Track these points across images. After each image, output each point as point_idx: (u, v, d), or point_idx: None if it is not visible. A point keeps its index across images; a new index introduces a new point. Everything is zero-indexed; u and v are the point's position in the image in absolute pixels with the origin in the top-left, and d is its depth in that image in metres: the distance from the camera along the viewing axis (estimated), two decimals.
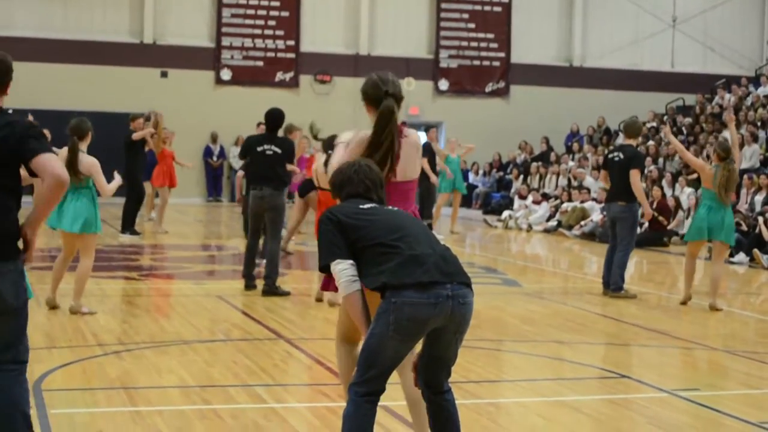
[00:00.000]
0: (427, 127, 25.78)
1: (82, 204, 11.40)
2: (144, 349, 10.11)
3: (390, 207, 5.97)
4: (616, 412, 8.18)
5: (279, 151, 13.94)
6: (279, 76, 34.66)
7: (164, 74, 33.74)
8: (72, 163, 11.26)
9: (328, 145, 13.86)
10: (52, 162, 5.31)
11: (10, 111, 5.64)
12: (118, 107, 31.78)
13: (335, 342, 6.49)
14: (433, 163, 23.26)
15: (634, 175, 14.37)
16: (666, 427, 7.69)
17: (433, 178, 22.87)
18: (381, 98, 6.59)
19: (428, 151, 22.75)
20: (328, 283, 6.17)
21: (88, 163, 11.39)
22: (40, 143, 5.38)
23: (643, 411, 8.21)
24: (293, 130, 17.12)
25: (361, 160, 6.09)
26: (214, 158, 33.58)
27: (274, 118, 14.14)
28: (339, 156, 6.55)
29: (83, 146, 11.58)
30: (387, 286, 5.54)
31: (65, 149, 11.51)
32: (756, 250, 19.95)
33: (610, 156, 14.83)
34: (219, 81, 34.21)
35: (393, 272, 5.54)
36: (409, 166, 6.68)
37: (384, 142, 6.51)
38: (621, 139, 16.78)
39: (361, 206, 5.85)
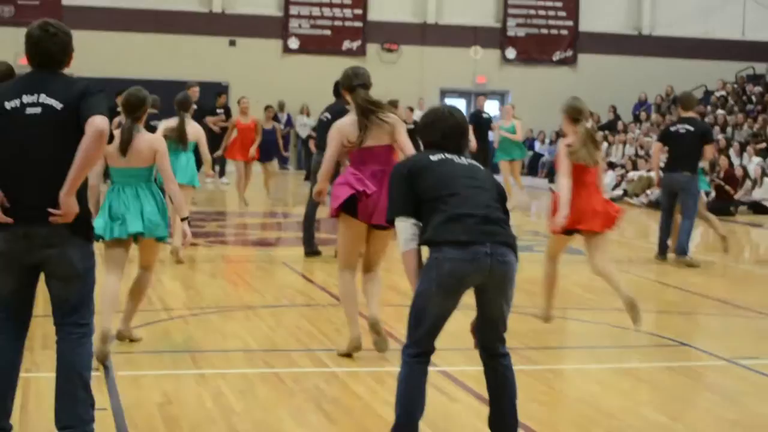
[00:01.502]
0: (497, 96, 25.69)
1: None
2: (209, 314, 10.29)
3: (460, 159, 6.01)
4: (674, 380, 8.22)
5: None
6: (346, 44, 34.74)
7: (233, 43, 33.97)
8: (181, 132, 12.66)
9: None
10: (98, 118, 5.45)
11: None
12: (187, 76, 31.89)
13: (338, 269, 8.34)
14: (482, 132, 23.08)
15: (710, 149, 14.74)
16: (723, 394, 7.72)
17: (473, 144, 21.78)
18: (354, 87, 8.21)
19: (475, 120, 22.76)
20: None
21: (195, 130, 12.95)
22: (98, 102, 5.54)
23: (701, 378, 8.25)
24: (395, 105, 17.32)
25: (445, 105, 6.22)
26: (282, 126, 33.77)
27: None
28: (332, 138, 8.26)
29: (188, 116, 12.89)
30: (429, 242, 5.76)
31: (172, 120, 12.69)
32: None
33: (674, 129, 14.78)
34: (286, 50, 34.39)
35: (435, 229, 5.73)
36: (377, 135, 8.20)
37: (363, 120, 8.16)
38: (677, 114, 16.66)
39: (431, 157, 5.97)
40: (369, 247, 8.55)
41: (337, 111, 12.46)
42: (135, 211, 8.29)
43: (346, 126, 8.24)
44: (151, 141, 8.45)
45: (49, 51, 5.67)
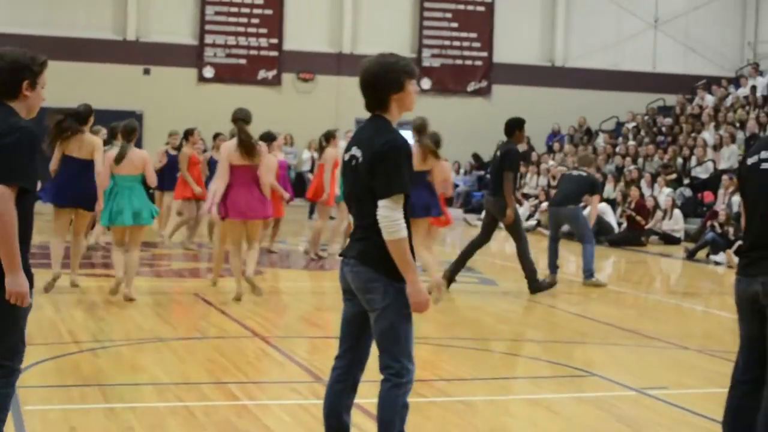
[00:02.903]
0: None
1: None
2: (119, 346, 10.18)
3: None
4: (585, 411, 8.28)
5: None
6: (262, 74, 34.72)
7: (147, 71, 33.76)
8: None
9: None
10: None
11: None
12: (101, 104, 31.68)
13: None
14: None
15: (596, 200, 16.80)
16: (633, 425, 7.79)
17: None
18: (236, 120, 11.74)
19: None
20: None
21: (141, 156, 12.82)
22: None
23: (611, 409, 8.31)
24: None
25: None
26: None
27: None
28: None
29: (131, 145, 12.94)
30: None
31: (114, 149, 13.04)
32: (729, 251, 20.07)
33: (568, 173, 17.24)
34: (201, 78, 34.27)
35: None
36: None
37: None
38: (572, 161, 17.34)
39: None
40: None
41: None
42: (129, 207, 12.52)
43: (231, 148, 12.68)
44: (140, 154, 12.70)
45: None
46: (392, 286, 5.72)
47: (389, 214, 5.62)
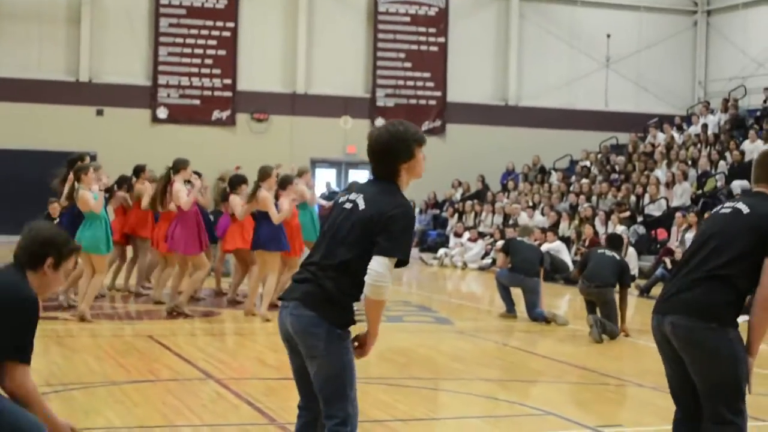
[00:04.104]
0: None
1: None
2: (72, 390, 10.06)
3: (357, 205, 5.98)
4: None
5: None
6: (216, 114, 34.68)
7: (100, 112, 33.64)
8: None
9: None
10: None
11: None
12: (54, 146, 31.65)
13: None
14: None
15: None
16: None
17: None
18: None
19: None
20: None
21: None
22: None
23: None
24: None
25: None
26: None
27: None
28: None
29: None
30: None
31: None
32: None
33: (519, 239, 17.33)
34: (155, 119, 34.18)
35: None
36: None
37: None
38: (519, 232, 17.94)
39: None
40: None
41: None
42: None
43: None
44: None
45: None
46: (334, 332, 5.69)
47: (383, 272, 5.63)
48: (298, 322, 5.76)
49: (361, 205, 5.79)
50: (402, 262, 5.73)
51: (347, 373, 5.72)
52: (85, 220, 14.68)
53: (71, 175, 15.34)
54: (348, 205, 5.85)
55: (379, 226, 5.67)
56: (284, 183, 15.92)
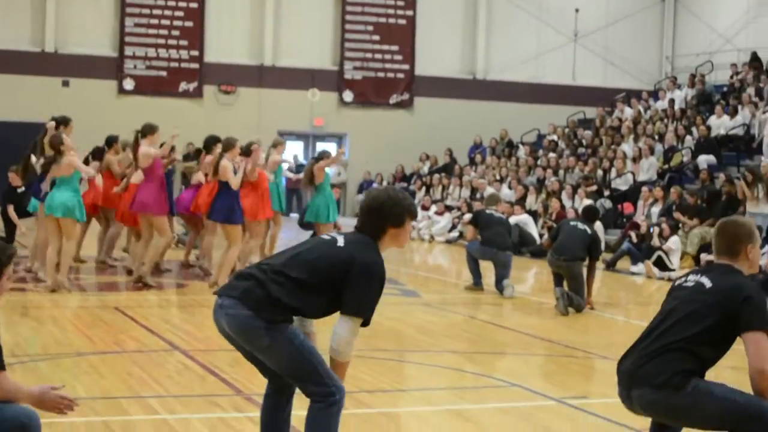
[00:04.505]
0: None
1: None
2: (37, 361, 10.02)
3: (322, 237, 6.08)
4: (507, 421, 8.31)
5: None
6: (183, 86, 34.50)
7: (66, 83, 33.39)
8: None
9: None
10: None
11: None
12: (19, 116, 31.44)
13: None
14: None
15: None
16: None
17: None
18: None
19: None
20: None
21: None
22: None
23: (531, 419, 8.35)
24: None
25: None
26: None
27: None
28: None
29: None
30: None
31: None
32: (647, 261, 20.30)
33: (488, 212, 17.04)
34: (122, 90, 33.96)
35: None
36: None
37: None
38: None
39: None
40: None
41: None
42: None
43: None
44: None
45: None
46: (273, 325, 5.69)
47: (349, 337, 5.74)
48: (234, 323, 5.77)
49: (341, 244, 5.88)
50: (365, 322, 5.84)
51: (305, 353, 5.72)
52: (57, 184, 14.54)
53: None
54: (328, 238, 5.96)
55: (347, 277, 5.73)
56: (248, 150, 16.02)
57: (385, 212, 5.90)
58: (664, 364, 5.81)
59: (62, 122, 15.99)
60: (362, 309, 5.76)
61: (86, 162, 17.42)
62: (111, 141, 18.75)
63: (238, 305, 5.73)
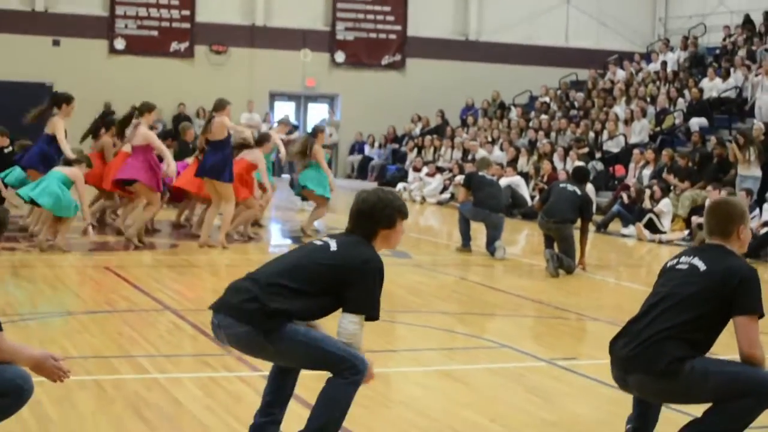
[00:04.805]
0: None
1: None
2: (28, 320, 10.03)
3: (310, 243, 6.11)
4: (495, 381, 8.34)
5: None
6: (174, 46, 34.35)
7: (56, 43, 33.21)
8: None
9: None
10: None
11: None
12: (9, 76, 31.32)
13: None
14: None
15: None
16: (543, 395, 7.86)
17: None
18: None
19: None
20: None
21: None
22: None
23: (521, 380, 8.38)
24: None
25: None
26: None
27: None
28: None
29: None
30: None
31: None
32: (638, 224, 20.33)
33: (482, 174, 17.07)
34: (113, 50, 33.80)
35: None
36: None
37: None
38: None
39: None
40: None
41: None
42: None
43: None
44: None
45: None
46: (273, 332, 5.72)
47: (355, 330, 5.79)
48: (235, 341, 5.85)
49: (332, 247, 5.89)
50: (373, 318, 5.88)
51: (312, 345, 5.75)
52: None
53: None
54: (319, 243, 5.97)
55: (346, 279, 5.76)
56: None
57: (376, 215, 5.93)
58: (659, 353, 5.81)
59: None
60: (366, 307, 5.81)
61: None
62: (109, 123, 18.21)
63: (234, 324, 5.77)
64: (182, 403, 7.23)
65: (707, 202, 5.87)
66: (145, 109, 15.71)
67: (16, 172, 16.94)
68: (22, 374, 5.48)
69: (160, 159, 15.77)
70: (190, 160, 17.32)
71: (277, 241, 18.52)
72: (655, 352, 5.83)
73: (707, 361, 5.87)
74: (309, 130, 35.32)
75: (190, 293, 12.14)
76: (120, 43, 33.86)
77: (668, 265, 6.18)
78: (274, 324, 5.71)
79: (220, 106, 15.63)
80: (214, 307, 5.90)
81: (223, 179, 15.45)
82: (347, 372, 5.76)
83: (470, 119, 34.12)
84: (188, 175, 16.53)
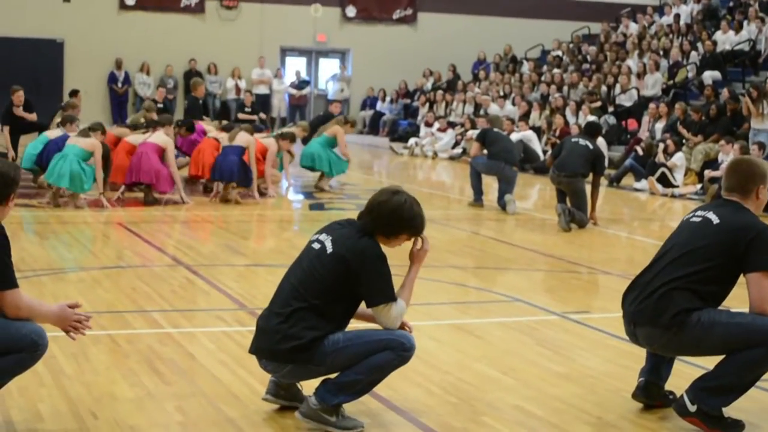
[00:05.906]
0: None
1: None
2: (42, 276, 10.07)
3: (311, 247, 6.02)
4: (507, 335, 8.35)
5: None
6: (184, 1, 34.16)
7: None
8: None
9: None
10: None
11: None
12: (20, 32, 31.27)
13: None
14: None
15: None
16: (554, 349, 7.88)
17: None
18: None
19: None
20: None
21: None
22: None
23: (533, 333, 8.40)
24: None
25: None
26: (119, 84, 33.03)
27: None
28: None
29: None
30: None
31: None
32: (651, 178, 20.28)
33: (496, 130, 17.03)
34: (123, 6, 33.64)
35: None
36: None
37: None
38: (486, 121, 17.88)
39: None
40: None
41: None
42: None
43: None
44: None
45: None
46: (314, 355, 5.73)
47: (395, 318, 5.87)
48: (288, 378, 5.97)
49: (329, 248, 5.84)
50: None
51: (356, 341, 5.78)
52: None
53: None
54: (316, 246, 5.90)
55: (352, 273, 5.74)
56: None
57: (386, 220, 5.93)
58: (665, 304, 5.83)
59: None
60: (383, 295, 5.81)
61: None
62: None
63: (279, 366, 5.84)
64: (196, 357, 7.26)
65: (727, 159, 5.85)
66: (166, 121, 16.30)
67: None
68: (37, 330, 5.53)
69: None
70: (204, 125, 17.70)
71: (293, 197, 18.46)
72: (661, 303, 5.84)
73: (715, 312, 5.87)
74: (321, 86, 35.39)
75: (203, 249, 12.17)
76: None
77: (684, 218, 6.19)
78: (314, 350, 5.72)
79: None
80: (252, 352, 5.97)
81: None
82: (398, 349, 5.82)
83: (482, 73, 34.00)
84: (201, 159, 16.80)
